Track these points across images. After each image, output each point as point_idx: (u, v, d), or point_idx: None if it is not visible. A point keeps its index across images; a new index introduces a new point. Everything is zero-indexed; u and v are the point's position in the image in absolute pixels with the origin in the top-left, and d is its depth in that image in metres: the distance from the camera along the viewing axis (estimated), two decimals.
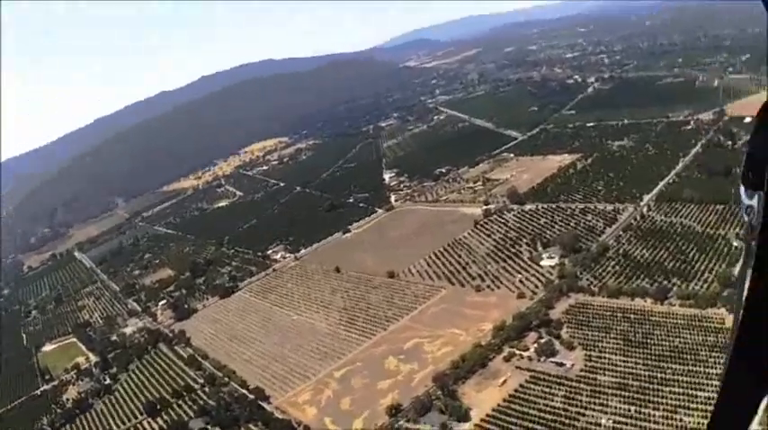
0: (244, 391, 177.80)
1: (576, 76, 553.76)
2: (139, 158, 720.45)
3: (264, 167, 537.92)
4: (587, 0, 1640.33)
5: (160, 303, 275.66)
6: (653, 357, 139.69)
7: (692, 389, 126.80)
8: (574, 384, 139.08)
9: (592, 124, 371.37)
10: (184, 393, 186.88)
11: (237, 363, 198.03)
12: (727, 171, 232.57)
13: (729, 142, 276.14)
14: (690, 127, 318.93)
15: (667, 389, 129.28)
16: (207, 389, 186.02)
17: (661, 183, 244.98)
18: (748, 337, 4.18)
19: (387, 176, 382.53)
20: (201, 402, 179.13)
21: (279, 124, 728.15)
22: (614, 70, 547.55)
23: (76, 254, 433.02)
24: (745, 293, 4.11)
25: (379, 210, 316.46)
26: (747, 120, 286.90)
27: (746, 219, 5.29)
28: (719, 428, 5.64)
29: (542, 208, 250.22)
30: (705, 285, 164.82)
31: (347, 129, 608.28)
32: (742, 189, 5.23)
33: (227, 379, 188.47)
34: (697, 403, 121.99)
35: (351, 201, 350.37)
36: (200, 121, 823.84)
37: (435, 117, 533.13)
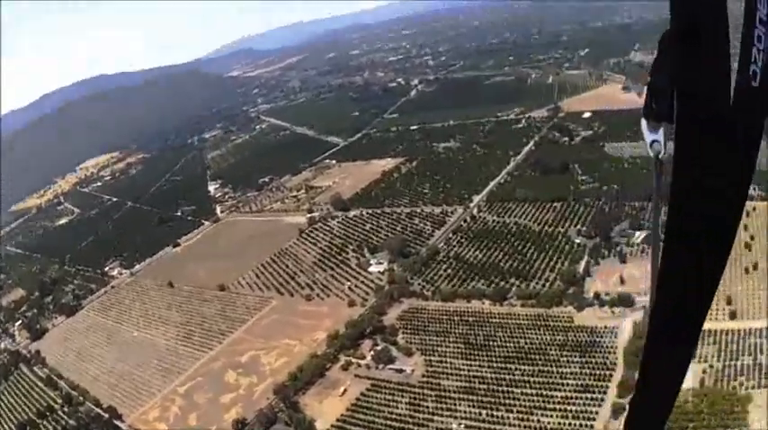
0: (99, 411, 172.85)
1: (400, 79, 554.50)
2: None
3: (99, 183, 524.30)
4: (415, 1, 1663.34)
5: (16, 324, 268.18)
6: (498, 359, 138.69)
7: (546, 389, 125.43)
8: (417, 390, 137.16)
9: (415, 127, 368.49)
10: (47, 414, 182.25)
11: (89, 382, 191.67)
12: (564, 167, 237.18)
13: (566, 138, 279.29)
14: (521, 125, 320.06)
15: (518, 390, 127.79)
16: (66, 409, 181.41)
17: (491, 184, 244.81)
18: (667, 306, 3.75)
19: (212, 188, 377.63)
20: (63, 422, 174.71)
21: (112, 139, 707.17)
22: (439, 71, 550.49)
23: None
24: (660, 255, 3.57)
25: (206, 223, 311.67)
26: (586, 115, 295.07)
27: (652, 154, 4.95)
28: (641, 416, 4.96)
29: (367, 213, 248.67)
30: (547, 284, 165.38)
31: (174, 141, 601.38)
32: (644, 124, 4.93)
33: (81, 398, 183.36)
34: (554, 403, 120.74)
35: (179, 214, 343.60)
36: (41, 140, 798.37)
37: (257, 126, 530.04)
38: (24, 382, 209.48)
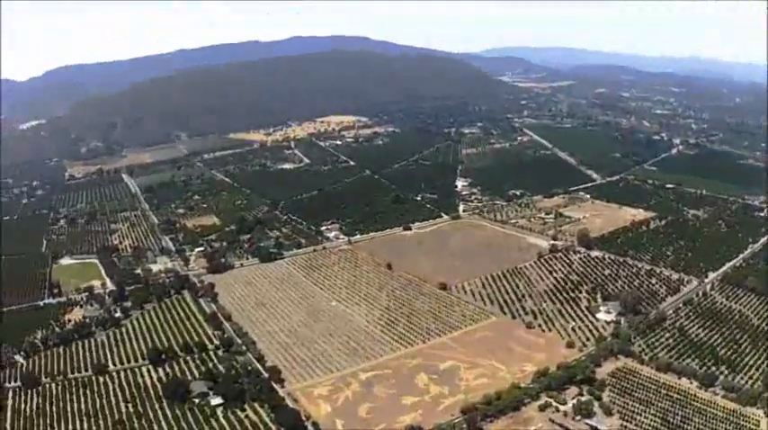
0: (259, 366, 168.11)
1: (663, 134, 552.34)
2: (213, 99, 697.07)
3: (338, 142, 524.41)
4: (682, 60, 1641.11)
5: (197, 249, 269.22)
6: None
7: None
8: None
9: (671, 186, 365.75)
10: (195, 350, 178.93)
11: (260, 333, 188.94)
12: None
13: None
14: (763, 214, 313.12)
15: None
16: (220, 353, 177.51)
17: (728, 264, 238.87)
18: None
19: (459, 184, 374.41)
20: (211, 364, 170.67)
21: (360, 102, 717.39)
22: (700, 137, 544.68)
23: (124, 176, 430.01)
24: None
25: (445, 216, 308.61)
26: None
27: None
28: None
29: (609, 258, 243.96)
30: (750, 381, 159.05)
31: (429, 126, 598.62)
32: None
33: (244, 348, 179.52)
34: None
35: (418, 199, 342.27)
36: (283, 78, 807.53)
37: (519, 137, 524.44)
38: (181, 310, 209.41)
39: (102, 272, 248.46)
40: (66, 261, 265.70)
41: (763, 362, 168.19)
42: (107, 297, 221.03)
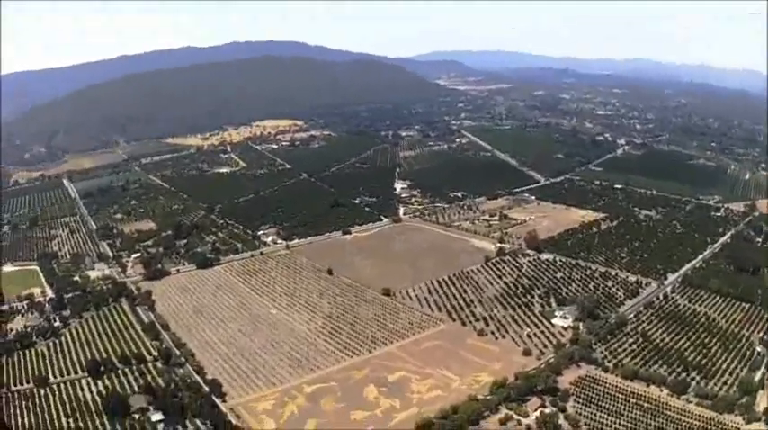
0: (198, 379, 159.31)
1: (607, 135, 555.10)
2: (151, 104, 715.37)
3: (274, 146, 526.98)
4: (623, 62, 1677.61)
5: (133, 255, 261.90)
6: None
7: None
8: None
9: (619, 186, 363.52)
10: (134, 362, 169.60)
11: (198, 344, 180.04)
12: (756, 269, 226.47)
13: (759, 239, 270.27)
14: (719, 214, 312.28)
15: None
16: (159, 365, 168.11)
17: (687, 266, 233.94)
18: None
19: (398, 186, 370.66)
20: (150, 377, 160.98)
21: (296, 107, 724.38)
22: (646, 138, 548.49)
23: (65, 181, 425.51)
24: None
25: (385, 220, 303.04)
26: None
27: None
28: None
29: (561, 261, 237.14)
30: (725, 387, 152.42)
31: (365, 129, 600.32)
32: None
33: (183, 359, 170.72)
34: None
35: (357, 202, 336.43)
36: (219, 84, 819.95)
37: (457, 139, 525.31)
38: (119, 319, 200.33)
39: (43, 279, 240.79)
40: (8, 268, 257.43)
41: (736, 367, 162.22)
42: (47, 305, 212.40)
